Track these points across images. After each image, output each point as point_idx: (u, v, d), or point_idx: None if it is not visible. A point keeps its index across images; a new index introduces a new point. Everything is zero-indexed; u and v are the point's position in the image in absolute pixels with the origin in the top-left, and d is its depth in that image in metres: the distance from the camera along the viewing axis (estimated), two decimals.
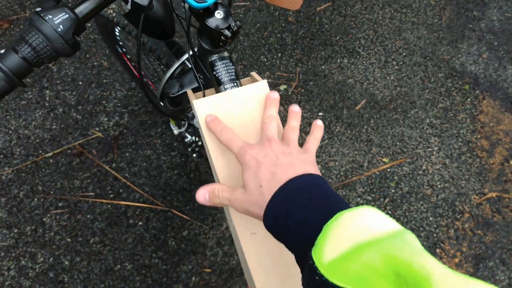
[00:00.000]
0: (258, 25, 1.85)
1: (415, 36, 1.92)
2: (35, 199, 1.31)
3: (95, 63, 1.60)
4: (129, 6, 0.49)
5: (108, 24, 1.06)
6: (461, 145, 1.70)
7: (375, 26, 1.92)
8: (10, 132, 1.40)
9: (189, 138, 1.14)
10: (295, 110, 0.50)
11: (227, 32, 0.54)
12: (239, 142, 0.46)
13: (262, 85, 0.54)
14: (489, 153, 1.71)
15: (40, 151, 1.39)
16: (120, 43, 1.21)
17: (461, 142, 1.71)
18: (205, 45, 0.59)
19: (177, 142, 1.48)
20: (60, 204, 1.31)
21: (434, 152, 1.65)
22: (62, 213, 1.30)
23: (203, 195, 0.46)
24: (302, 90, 1.70)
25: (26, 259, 1.21)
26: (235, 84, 0.58)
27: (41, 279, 1.19)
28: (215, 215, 1.37)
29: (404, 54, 1.88)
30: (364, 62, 1.84)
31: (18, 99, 1.48)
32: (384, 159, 1.60)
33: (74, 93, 1.52)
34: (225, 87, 0.58)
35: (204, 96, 0.61)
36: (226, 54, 0.60)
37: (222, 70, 0.59)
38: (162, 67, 0.92)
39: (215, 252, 1.30)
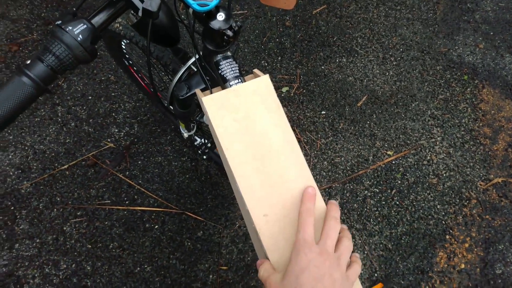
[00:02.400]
0: (257, 31, 1.94)
1: (411, 31, 2.01)
2: (55, 210, 1.39)
3: (103, 78, 1.69)
4: (140, 13, 0.57)
5: (115, 38, 1.15)
6: (464, 134, 1.76)
7: (371, 24, 2.01)
8: (26, 148, 1.49)
9: (198, 140, 1.22)
10: (345, 227, 0.55)
11: (229, 32, 0.62)
12: (307, 234, 0.50)
13: (264, 79, 0.62)
14: (492, 140, 1.77)
15: (56, 164, 1.47)
16: (127, 55, 1.30)
17: (463, 131, 1.77)
18: (210, 46, 0.66)
19: (187, 147, 1.56)
20: (78, 213, 1.39)
21: (438, 142, 1.72)
22: (81, 221, 1.38)
23: (258, 264, 0.54)
24: (304, 91, 1.78)
25: (49, 266, 1.29)
26: (240, 80, 0.65)
27: (65, 284, 1.27)
28: (227, 215, 1.44)
29: (401, 49, 1.96)
30: (362, 60, 1.92)
31: (31, 116, 1.57)
32: (389, 152, 1.67)
33: (84, 108, 1.61)
34: (231, 83, 0.65)
35: (211, 93, 0.68)
36: (229, 53, 0.68)
37: (227, 68, 0.66)
38: (169, 73, 1.00)
39: (230, 250, 1.37)
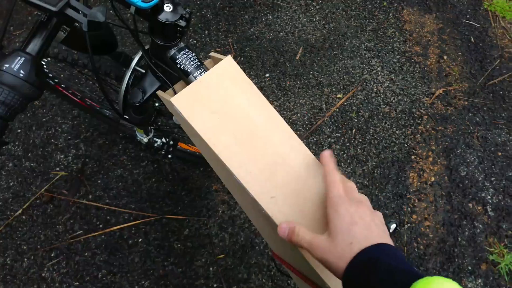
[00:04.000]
0: None
1: None
2: (25, 260, 1.29)
3: None
4: (84, 27, 0.52)
5: None
6: (399, 58, 1.85)
7: None
8: None
9: (158, 142, 1.17)
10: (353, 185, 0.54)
11: (181, 22, 0.58)
12: (340, 190, 0.50)
13: (227, 61, 0.59)
14: (424, 56, 1.88)
15: (9, 212, 1.36)
16: (50, 75, 1.19)
17: (398, 55, 1.86)
18: (161, 42, 0.62)
19: (143, 151, 1.50)
20: (52, 255, 1.30)
21: (379, 72, 1.80)
22: (58, 261, 1.29)
23: (284, 229, 0.50)
24: (242, 58, 1.76)
25: None
26: (202, 69, 0.62)
27: None
28: (208, 205, 1.42)
29: None
30: (287, 12, 1.92)
31: None
32: (338, 95, 1.72)
33: (17, 143, 1.48)
34: (194, 75, 0.61)
35: (174, 91, 0.64)
36: (182, 44, 0.64)
37: (185, 60, 0.62)
38: (113, 81, 0.93)
39: (221, 237, 1.37)
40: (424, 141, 1.65)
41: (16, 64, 0.49)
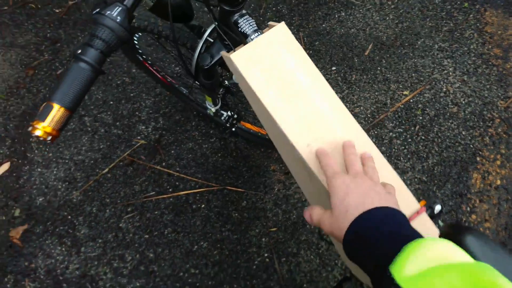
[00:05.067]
0: (253, 5, 2.02)
1: None
2: (107, 211, 1.52)
3: (119, 82, 1.80)
4: None
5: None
6: (475, 59, 1.83)
7: None
8: (67, 161, 1.62)
9: (224, 114, 1.32)
10: (368, 156, 0.60)
11: None
12: (335, 168, 0.55)
13: (281, 26, 0.71)
14: (504, 59, 1.83)
15: (97, 170, 1.60)
16: (140, 51, 1.39)
17: (474, 56, 1.84)
18: (227, 7, 0.75)
19: (213, 129, 1.67)
20: (129, 209, 1.52)
21: (450, 73, 1.79)
22: (133, 216, 1.51)
23: (307, 215, 0.56)
24: (311, 52, 1.86)
25: (116, 261, 1.43)
26: (259, 33, 0.74)
27: (134, 274, 1.40)
28: (265, 182, 1.55)
29: None
30: (360, 10, 1.98)
31: (63, 131, 1.69)
32: (405, 92, 1.75)
33: (109, 113, 1.73)
34: (252, 37, 0.74)
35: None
36: (244, 11, 0.77)
37: (245, 25, 0.75)
38: (189, 51, 1.09)
39: (275, 212, 1.49)
40: (493, 144, 1.62)
41: (115, 11, 0.64)
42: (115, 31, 0.62)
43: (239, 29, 0.73)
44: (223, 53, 0.74)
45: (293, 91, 0.68)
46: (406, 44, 1.88)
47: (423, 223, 0.65)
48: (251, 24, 0.74)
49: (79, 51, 0.61)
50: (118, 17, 0.62)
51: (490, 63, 1.83)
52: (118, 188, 1.56)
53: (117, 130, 1.69)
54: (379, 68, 1.82)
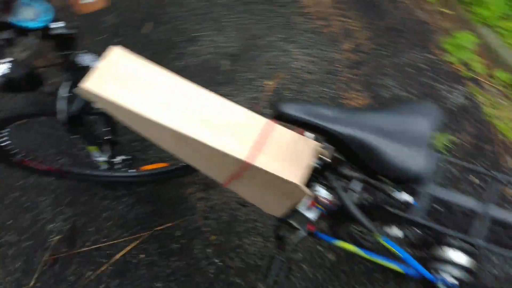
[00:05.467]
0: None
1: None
2: None
3: (7, 201, 1.75)
4: None
5: None
6: (309, 35, 2.21)
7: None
8: None
9: (118, 159, 1.39)
10: None
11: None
12: None
13: (112, 49, 0.85)
14: (327, 26, 2.23)
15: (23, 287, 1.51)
16: (14, 151, 1.41)
17: (307, 33, 2.21)
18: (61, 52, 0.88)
19: (120, 191, 1.71)
20: None
21: (296, 53, 2.14)
22: None
23: None
24: None
25: None
26: (95, 61, 0.88)
27: None
28: (188, 206, 1.64)
29: (228, 13, 2.36)
30: (206, 38, 2.25)
31: None
32: (269, 83, 2.01)
33: (10, 233, 1.66)
34: (92, 65, 0.87)
35: None
36: (78, 51, 0.90)
37: (82, 60, 0.88)
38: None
39: (208, 224, 1.58)
40: (347, 85, 1.93)
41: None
42: None
43: (80, 65, 0.86)
44: (76, 90, 0.85)
45: (151, 89, 0.81)
46: (253, 47, 2.18)
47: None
48: (86, 57, 0.87)
49: None
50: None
51: (319, 31, 2.20)
52: None
53: (27, 242, 1.63)
54: (240, 74, 2.08)
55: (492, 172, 0.99)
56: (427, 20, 2.21)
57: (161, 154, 1.79)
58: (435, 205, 0.99)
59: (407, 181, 0.86)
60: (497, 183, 0.97)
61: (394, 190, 1.10)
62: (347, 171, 1.02)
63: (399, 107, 0.93)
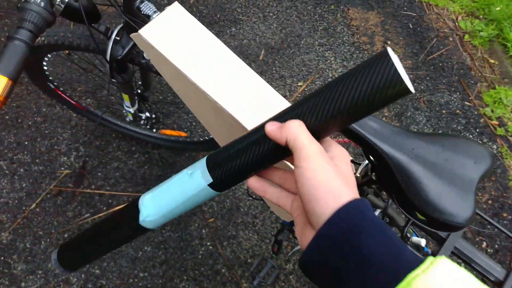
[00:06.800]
0: None
1: None
2: (42, 243, 1.54)
3: (30, 123, 1.85)
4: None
5: (38, 54, 1.31)
6: (349, 48, 2.21)
7: None
8: None
9: (143, 116, 1.46)
10: None
11: None
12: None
13: (175, 5, 0.90)
14: (371, 44, 2.24)
15: (24, 208, 1.61)
16: (50, 78, 1.48)
17: (348, 46, 2.22)
18: None
19: (135, 146, 1.78)
20: (65, 236, 1.55)
21: (332, 61, 2.14)
22: None
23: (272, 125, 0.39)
24: None
25: (61, 286, 1.45)
26: (158, 13, 0.93)
27: None
28: None
29: (274, 5, 2.37)
30: (248, 23, 2.29)
31: None
32: (299, 83, 2.05)
33: (25, 153, 1.76)
34: (153, 17, 0.92)
35: None
36: None
37: (146, 8, 0.93)
38: (101, 52, 1.20)
39: (210, 205, 1.63)
40: None
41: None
42: (40, 13, 0.77)
43: (142, 12, 0.91)
44: (133, 34, 0.91)
45: (202, 55, 0.86)
46: (292, 44, 2.21)
47: None
48: (150, 7, 0.92)
49: (13, 32, 0.75)
50: (42, 3, 0.77)
51: (361, 48, 2.22)
52: (50, 219, 1.59)
53: (38, 167, 1.73)
54: (273, 68, 2.10)
55: None
56: (470, 65, 2.21)
57: (183, 123, 1.86)
58: (454, 257, 0.94)
59: (447, 226, 0.75)
60: None
61: (414, 232, 1.09)
62: (371, 197, 1.04)
63: (446, 139, 0.81)
